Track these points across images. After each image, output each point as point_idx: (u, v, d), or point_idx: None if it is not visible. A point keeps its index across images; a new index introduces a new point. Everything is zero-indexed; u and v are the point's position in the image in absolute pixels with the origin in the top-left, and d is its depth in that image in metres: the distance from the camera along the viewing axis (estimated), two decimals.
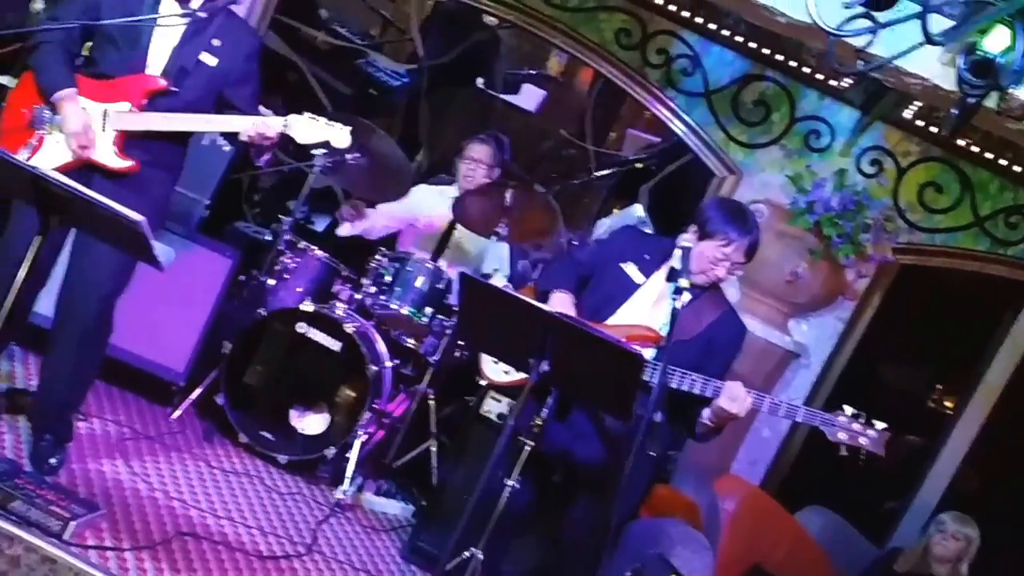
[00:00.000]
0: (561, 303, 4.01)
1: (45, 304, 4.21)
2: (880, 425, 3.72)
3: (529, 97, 8.51)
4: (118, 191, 3.77)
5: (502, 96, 7.96)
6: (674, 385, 3.79)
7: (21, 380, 4.57)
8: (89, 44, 4.02)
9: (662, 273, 4.03)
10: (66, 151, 3.92)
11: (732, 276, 4.07)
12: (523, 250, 6.11)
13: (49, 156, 3.90)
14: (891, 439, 3.72)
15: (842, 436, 3.72)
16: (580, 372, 3.61)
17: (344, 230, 5.85)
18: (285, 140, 4.06)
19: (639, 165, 5.92)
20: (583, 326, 3.59)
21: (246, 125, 3.93)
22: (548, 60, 8.86)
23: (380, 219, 5.85)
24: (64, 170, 3.69)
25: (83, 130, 3.87)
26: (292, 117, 3.98)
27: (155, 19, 3.91)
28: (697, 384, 3.80)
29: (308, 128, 3.99)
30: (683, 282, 3.72)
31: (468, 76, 7.93)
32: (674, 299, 3.73)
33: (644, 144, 7.72)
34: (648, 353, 3.95)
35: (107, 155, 3.92)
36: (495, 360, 4.24)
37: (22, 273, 3.37)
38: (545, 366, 3.55)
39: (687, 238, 3.91)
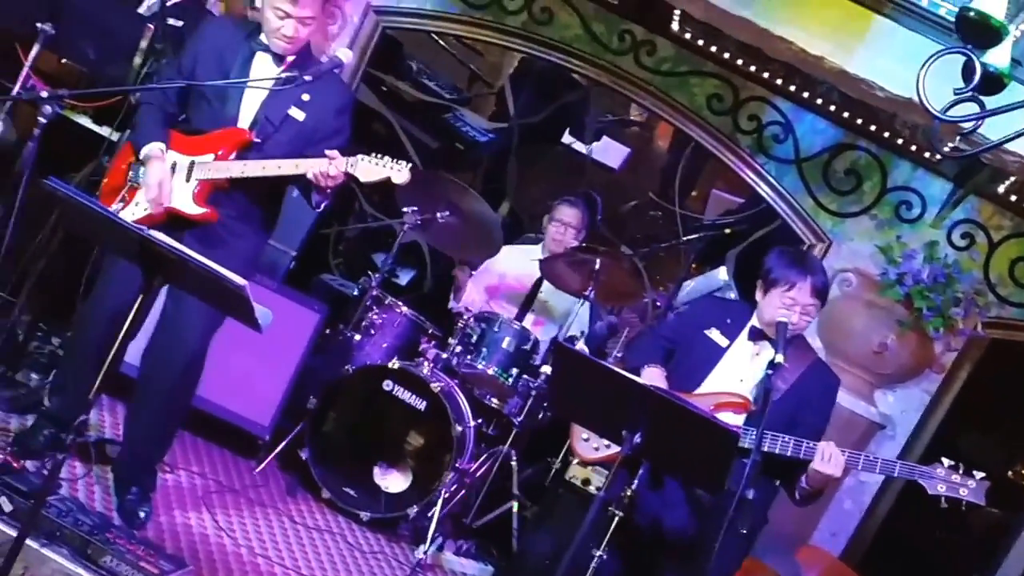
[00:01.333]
0: (652, 377, 3.97)
1: (132, 352, 4.25)
2: (979, 475, 3.66)
3: (613, 154, 8.47)
4: (207, 245, 3.81)
5: (587, 154, 7.93)
6: (766, 448, 3.71)
7: (109, 430, 4.60)
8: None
9: (745, 333, 4.01)
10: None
11: (808, 320, 3.98)
12: (605, 311, 6.05)
13: (138, 207, 3.96)
14: (991, 488, 3.63)
15: (941, 488, 3.66)
16: (673, 446, 3.52)
17: (454, 304, 5.83)
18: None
19: (727, 231, 5.84)
20: (676, 399, 3.51)
21: (312, 166, 3.89)
22: (631, 109, 8.81)
23: (478, 292, 5.83)
24: (149, 223, 3.74)
25: (156, 185, 3.91)
26: (357, 157, 3.92)
27: (261, 83, 3.94)
28: (790, 446, 3.73)
29: (371, 167, 3.91)
30: (779, 358, 3.66)
31: (555, 134, 7.93)
32: (768, 374, 3.66)
33: (728, 206, 7.63)
34: (739, 420, 3.89)
35: (185, 203, 3.97)
36: (586, 437, 4.18)
37: (124, 331, 3.36)
38: (638, 439, 3.47)
39: (761, 306, 3.89)
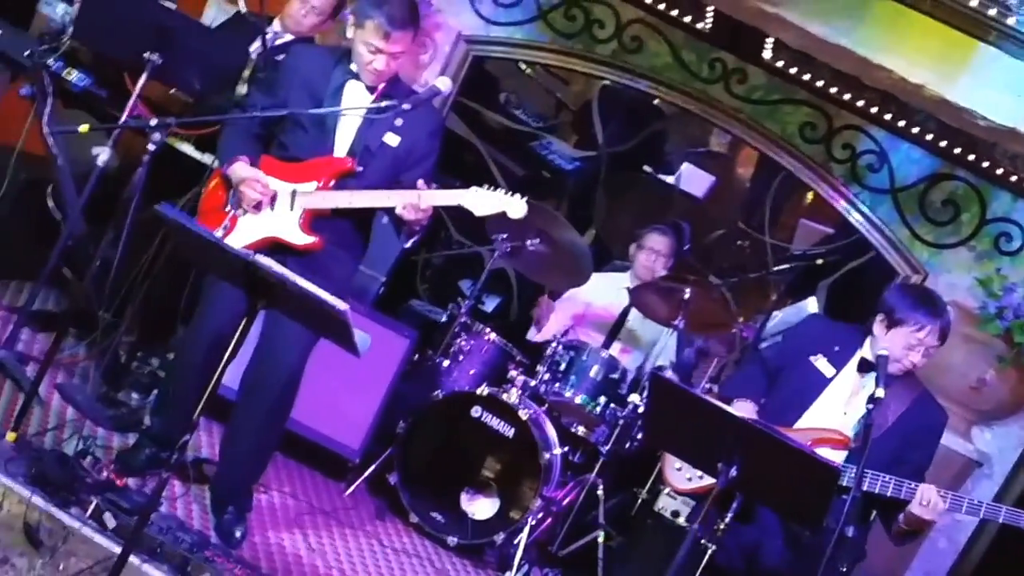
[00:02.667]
0: (743, 411, 3.93)
1: (228, 375, 4.32)
2: None
3: (697, 182, 8.45)
4: (307, 270, 3.85)
5: (673, 183, 7.93)
6: (866, 487, 3.66)
7: (206, 449, 4.70)
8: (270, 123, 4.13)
9: (854, 364, 3.93)
10: (256, 229, 4.05)
11: (926, 361, 3.92)
12: (691, 339, 6.02)
13: (241, 235, 4.04)
14: None
15: None
16: (770, 480, 3.50)
17: (533, 334, 5.85)
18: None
19: (819, 262, 5.79)
20: (775, 433, 3.48)
21: (405, 199, 3.88)
22: (710, 138, 8.79)
23: (562, 321, 5.85)
24: (255, 248, 3.84)
25: (256, 183, 3.96)
26: (470, 189, 3.92)
27: (361, 111, 4.01)
28: (890, 486, 3.67)
29: (485, 200, 3.92)
30: (879, 392, 3.61)
31: (642, 162, 7.95)
32: (869, 409, 3.62)
33: (818, 236, 7.56)
34: (838, 456, 3.83)
35: (293, 232, 4.03)
36: (678, 467, 4.16)
37: (228, 354, 3.44)
38: (734, 472, 3.45)
39: (881, 341, 3.80)
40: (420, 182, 3.92)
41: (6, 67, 6.04)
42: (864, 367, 3.94)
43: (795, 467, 3.40)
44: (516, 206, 3.94)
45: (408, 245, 4.18)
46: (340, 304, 3.18)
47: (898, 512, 3.76)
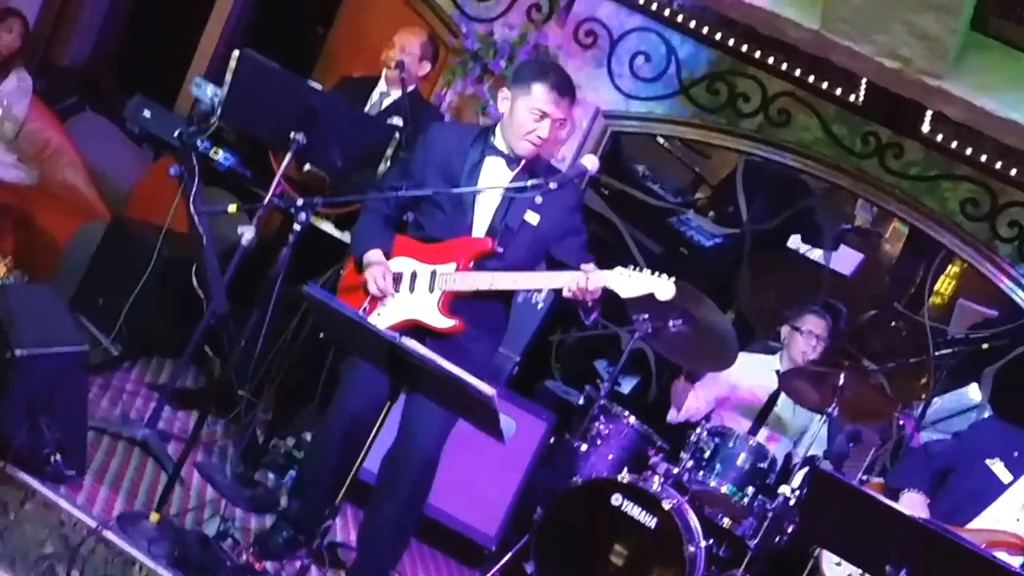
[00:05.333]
0: (913, 504, 3.80)
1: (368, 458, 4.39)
2: None
3: (845, 260, 8.29)
4: (448, 352, 3.88)
5: (824, 262, 7.79)
6: None
7: (340, 533, 4.73)
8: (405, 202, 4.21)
9: None
10: (396, 311, 4.10)
11: None
12: (840, 424, 5.85)
13: (382, 317, 4.10)
14: None
15: None
16: None
17: (674, 415, 5.79)
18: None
19: (985, 346, 5.59)
20: (952, 535, 3.33)
21: (567, 281, 3.90)
22: (854, 214, 8.63)
23: (703, 401, 5.77)
24: (395, 330, 3.87)
25: (381, 278, 4.03)
26: (616, 270, 3.92)
27: (503, 188, 4.05)
28: None
29: (632, 282, 3.90)
30: None
31: (787, 238, 7.85)
32: None
33: (977, 317, 7.30)
34: (1015, 561, 3.66)
35: (432, 315, 4.07)
36: (837, 562, 4.02)
37: (370, 438, 3.48)
38: (903, 574, 3.31)
39: None
40: (590, 265, 3.91)
41: (149, 146, 6.36)
42: None
43: (973, 572, 3.24)
44: (664, 288, 3.91)
45: (589, 323, 4.16)
46: (488, 389, 3.20)
47: None
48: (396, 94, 5.35)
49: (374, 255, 4.12)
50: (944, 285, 7.88)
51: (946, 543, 3.28)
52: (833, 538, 3.64)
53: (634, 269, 3.93)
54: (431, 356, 3.28)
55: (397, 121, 5.16)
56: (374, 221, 4.21)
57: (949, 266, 7.74)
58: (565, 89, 4.02)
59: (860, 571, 3.94)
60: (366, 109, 5.42)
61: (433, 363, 3.26)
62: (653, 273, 3.94)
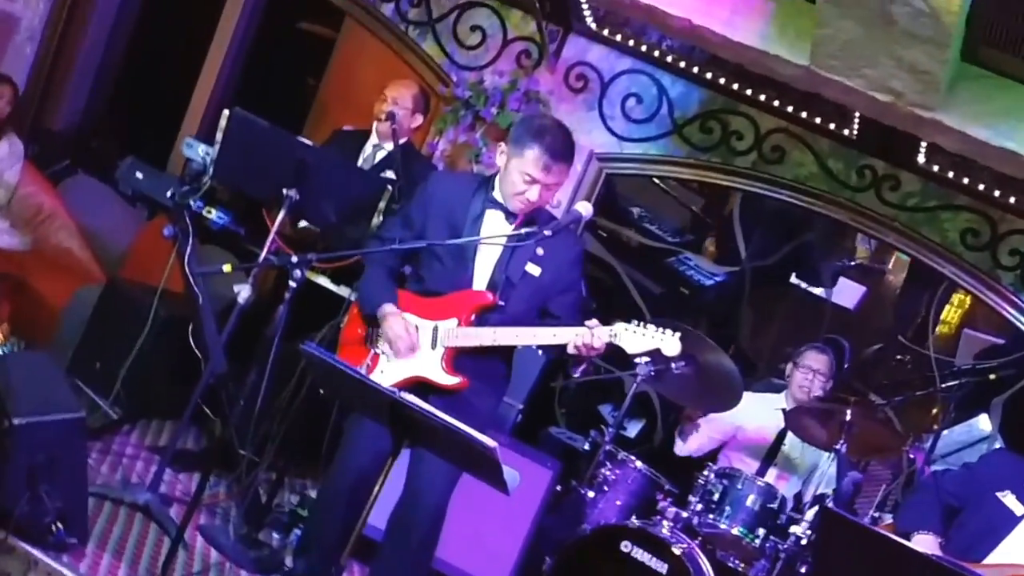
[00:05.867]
0: (925, 546, 3.77)
1: (373, 514, 4.35)
2: None
3: (848, 294, 8.29)
4: (452, 406, 3.88)
5: (825, 297, 7.80)
6: None
7: None
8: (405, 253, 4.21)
9: None
10: (399, 368, 4.09)
11: None
12: (851, 463, 5.82)
13: (385, 374, 4.10)
14: None
15: None
16: None
17: (680, 448, 5.77)
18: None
19: (992, 377, 5.58)
20: (964, 570, 3.31)
21: (571, 337, 3.91)
22: (855, 248, 8.64)
23: (706, 437, 5.76)
24: (399, 387, 3.89)
25: (405, 333, 4.01)
26: (619, 326, 3.94)
27: (500, 240, 4.05)
28: None
29: (637, 338, 3.93)
30: None
31: (788, 275, 7.86)
32: None
33: (983, 346, 7.29)
34: None
35: (436, 372, 4.07)
36: None
37: (375, 494, 3.47)
38: None
39: None
40: (594, 321, 3.92)
41: (143, 206, 6.38)
42: None
43: None
44: (670, 344, 3.95)
45: (578, 374, 4.17)
46: (489, 442, 3.20)
47: None
48: (389, 147, 5.38)
49: (390, 308, 4.09)
50: (950, 315, 7.88)
51: None
52: None
53: (638, 325, 3.94)
54: (432, 411, 3.28)
55: (390, 174, 5.19)
56: (380, 274, 4.20)
57: (954, 295, 7.75)
58: (559, 154, 3.97)
59: None
60: (359, 162, 5.45)
61: (434, 418, 3.26)
62: (658, 329, 3.96)
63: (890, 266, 8.53)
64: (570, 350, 3.92)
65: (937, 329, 7.93)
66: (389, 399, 3.33)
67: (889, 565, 3.33)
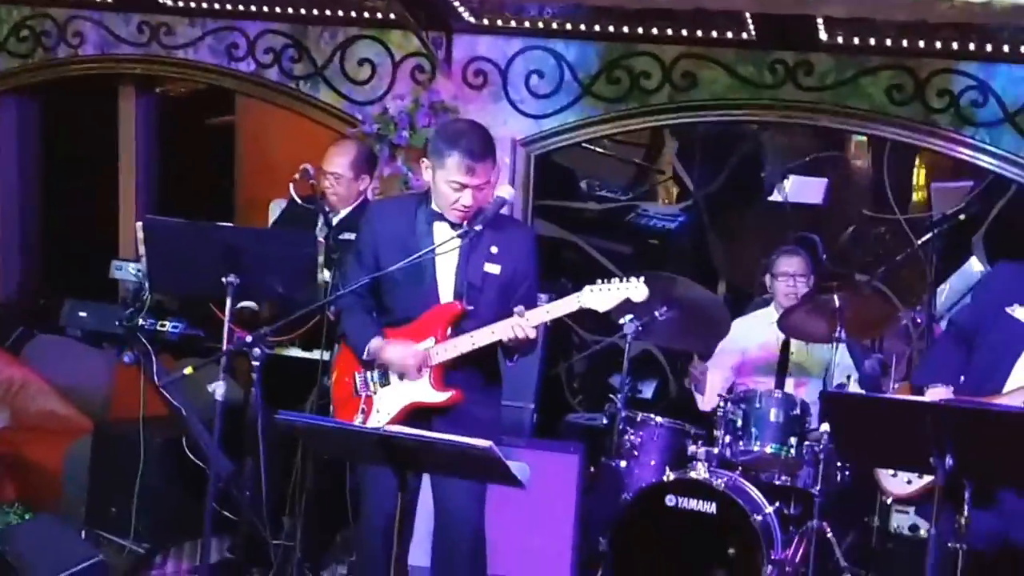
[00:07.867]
0: (936, 397, 3.80)
1: (414, 553, 4.42)
2: None
3: (810, 190, 8.31)
4: (455, 423, 3.98)
5: (783, 200, 7.84)
6: None
7: None
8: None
9: None
10: (394, 401, 4.15)
11: None
12: (865, 347, 5.87)
13: (382, 412, 4.15)
14: None
15: None
16: (992, 457, 3.36)
17: (703, 403, 5.81)
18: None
19: (962, 217, 5.61)
20: (978, 405, 3.36)
21: (528, 318, 3.99)
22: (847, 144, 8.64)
23: (720, 376, 5.79)
24: (400, 418, 4.01)
25: (410, 355, 4.07)
26: (584, 291, 4.03)
27: (433, 250, 4.11)
28: None
29: (603, 295, 4.01)
30: None
31: (745, 191, 7.90)
32: None
33: (958, 194, 7.34)
34: None
35: (428, 393, 4.13)
36: (893, 473, 4.02)
37: (396, 534, 3.52)
38: (950, 462, 3.33)
39: None
40: (520, 308, 4.00)
41: (110, 345, 6.42)
42: None
43: (1017, 435, 3.26)
44: (637, 289, 4.03)
45: (512, 363, 4.24)
46: (481, 442, 3.24)
47: None
48: (345, 211, 5.42)
49: (377, 342, 4.15)
50: (919, 178, 7.93)
51: (978, 416, 3.30)
52: (871, 455, 3.66)
53: (601, 282, 4.02)
54: (417, 433, 3.34)
55: (350, 236, 5.22)
56: (358, 317, 4.25)
57: (917, 157, 7.80)
58: (479, 154, 4.02)
59: (916, 474, 3.94)
60: (316, 230, 5.47)
61: (422, 438, 3.31)
62: (620, 279, 4.04)
63: (852, 151, 8.56)
64: (505, 340, 4.02)
65: (914, 196, 7.99)
66: (375, 437, 3.39)
67: (903, 424, 3.37)
